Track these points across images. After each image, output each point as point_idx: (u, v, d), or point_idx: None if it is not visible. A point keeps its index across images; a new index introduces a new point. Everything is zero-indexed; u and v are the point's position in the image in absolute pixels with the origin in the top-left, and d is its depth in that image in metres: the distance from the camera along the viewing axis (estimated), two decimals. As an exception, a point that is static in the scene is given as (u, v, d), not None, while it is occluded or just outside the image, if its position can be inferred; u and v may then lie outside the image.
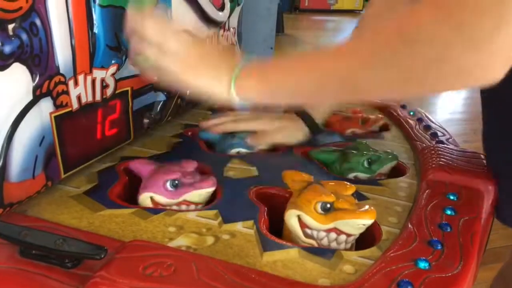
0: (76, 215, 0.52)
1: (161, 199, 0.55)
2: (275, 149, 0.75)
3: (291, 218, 0.50)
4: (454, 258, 0.45)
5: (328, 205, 0.49)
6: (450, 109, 3.66)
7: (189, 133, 0.80)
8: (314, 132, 0.75)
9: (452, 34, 0.37)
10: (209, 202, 0.57)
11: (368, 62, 0.43)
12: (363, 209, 0.49)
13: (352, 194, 0.52)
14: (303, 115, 0.75)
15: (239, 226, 0.51)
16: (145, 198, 0.56)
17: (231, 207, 0.55)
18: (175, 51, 0.53)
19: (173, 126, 0.82)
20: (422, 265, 0.43)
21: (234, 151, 0.73)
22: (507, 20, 0.35)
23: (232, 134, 0.74)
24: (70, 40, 0.53)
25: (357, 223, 0.48)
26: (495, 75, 0.38)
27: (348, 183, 0.53)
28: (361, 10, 10.57)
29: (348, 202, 0.49)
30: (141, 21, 0.54)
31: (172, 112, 0.81)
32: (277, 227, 0.53)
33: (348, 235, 0.49)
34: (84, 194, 0.57)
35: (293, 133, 0.75)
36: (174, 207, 0.56)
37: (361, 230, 0.49)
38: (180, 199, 0.55)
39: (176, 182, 0.55)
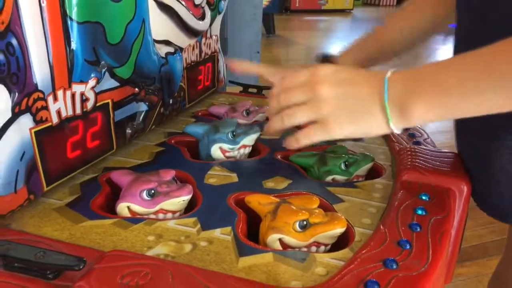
0: (58, 227, 0.54)
1: (138, 208, 0.57)
2: (256, 153, 0.77)
3: (274, 243, 0.52)
4: (422, 257, 0.47)
5: (305, 222, 0.52)
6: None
7: (172, 141, 0.81)
8: None
9: None
10: (189, 209, 0.59)
11: None
12: (335, 219, 0.52)
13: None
14: None
15: (217, 233, 0.53)
16: (122, 208, 0.57)
17: (210, 214, 0.57)
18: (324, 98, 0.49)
19: (156, 134, 0.84)
20: (390, 265, 0.45)
21: (216, 146, 0.74)
22: None
23: (215, 129, 0.75)
24: (47, 57, 0.54)
25: (334, 234, 0.51)
26: None
27: (314, 196, 0.57)
28: (352, 9, 10.63)
29: (320, 215, 0.52)
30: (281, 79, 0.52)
31: (156, 121, 0.83)
32: (257, 231, 0.55)
33: (326, 245, 0.53)
34: (66, 206, 0.58)
35: None
36: (152, 216, 0.57)
37: (336, 239, 0.53)
38: (157, 208, 0.57)
39: (152, 191, 0.57)
